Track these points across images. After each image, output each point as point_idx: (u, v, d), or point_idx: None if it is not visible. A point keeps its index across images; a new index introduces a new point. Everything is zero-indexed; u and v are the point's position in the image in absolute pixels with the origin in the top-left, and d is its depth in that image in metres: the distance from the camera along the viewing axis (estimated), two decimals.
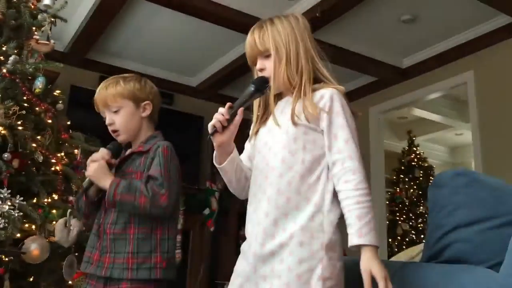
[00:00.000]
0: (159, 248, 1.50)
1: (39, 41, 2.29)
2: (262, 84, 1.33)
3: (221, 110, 1.28)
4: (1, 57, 2.12)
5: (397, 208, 6.20)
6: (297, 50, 1.36)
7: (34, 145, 2.04)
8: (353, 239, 1.17)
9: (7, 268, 1.80)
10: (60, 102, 2.35)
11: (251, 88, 1.31)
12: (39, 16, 2.34)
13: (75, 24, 3.93)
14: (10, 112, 1.95)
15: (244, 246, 1.33)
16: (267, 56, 1.36)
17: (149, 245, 1.49)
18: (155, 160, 1.52)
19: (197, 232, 4.90)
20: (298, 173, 1.26)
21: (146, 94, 1.65)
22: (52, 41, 2.33)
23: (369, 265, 1.15)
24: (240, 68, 4.47)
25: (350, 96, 5.07)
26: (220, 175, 1.45)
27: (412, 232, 6.01)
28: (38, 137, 2.11)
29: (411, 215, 6.15)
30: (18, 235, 1.84)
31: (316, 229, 1.21)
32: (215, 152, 1.35)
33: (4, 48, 2.14)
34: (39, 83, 2.14)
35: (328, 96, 1.30)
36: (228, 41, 4.19)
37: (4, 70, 2.05)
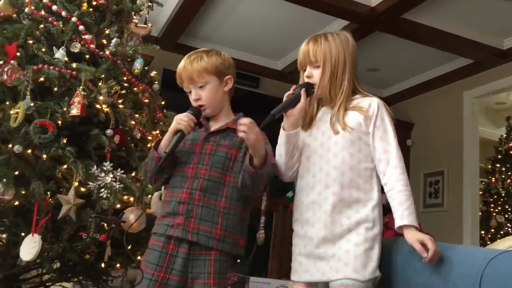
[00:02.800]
0: (241, 227, 1.62)
1: (138, 25, 2.42)
2: (309, 88, 1.59)
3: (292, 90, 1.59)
4: (104, 40, 2.26)
5: (491, 199, 5.82)
6: (343, 69, 1.59)
7: (132, 122, 2.17)
8: (397, 221, 1.46)
9: (109, 235, 1.95)
10: (156, 83, 2.47)
11: (300, 88, 1.57)
12: (138, 1, 2.46)
13: (168, 9, 4.09)
14: (112, 91, 2.09)
15: (301, 231, 1.57)
16: (317, 66, 1.60)
17: (237, 222, 1.59)
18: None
19: (280, 214, 4.97)
20: (357, 171, 1.53)
21: (227, 68, 1.70)
22: (149, 24, 2.45)
23: (416, 237, 1.41)
24: None
25: (443, 80, 4.85)
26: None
27: (508, 225, 5.62)
28: (136, 115, 2.24)
29: (507, 206, 5.74)
30: (118, 205, 1.97)
31: (375, 218, 1.51)
32: (283, 124, 1.60)
33: (107, 32, 2.28)
34: (137, 65, 2.27)
35: (376, 104, 1.58)
36: (314, 24, 4.15)
37: (107, 52, 2.19)
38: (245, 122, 1.49)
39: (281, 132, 1.60)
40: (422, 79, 5.14)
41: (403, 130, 5.46)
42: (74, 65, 2.04)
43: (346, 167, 1.52)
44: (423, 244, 1.39)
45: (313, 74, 1.60)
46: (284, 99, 1.57)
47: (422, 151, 5.30)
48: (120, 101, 2.15)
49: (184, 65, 1.66)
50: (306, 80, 1.62)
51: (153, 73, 2.51)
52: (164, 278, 1.52)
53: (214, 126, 1.70)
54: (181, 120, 1.59)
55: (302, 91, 1.55)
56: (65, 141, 1.92)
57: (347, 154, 1.53)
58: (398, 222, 1.46)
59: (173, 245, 1.55)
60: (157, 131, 2.37)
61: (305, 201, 1.57)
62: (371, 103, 1.58)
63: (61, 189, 1.89)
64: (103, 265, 2.01)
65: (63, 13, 2.17)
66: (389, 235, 2.87)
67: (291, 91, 1.58)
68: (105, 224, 1.94)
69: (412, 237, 1.42)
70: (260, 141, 1.53)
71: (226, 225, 1.56)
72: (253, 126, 1.49)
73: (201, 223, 1.54)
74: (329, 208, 1.50)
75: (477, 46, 4.21)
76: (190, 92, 1.67)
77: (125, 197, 2.02)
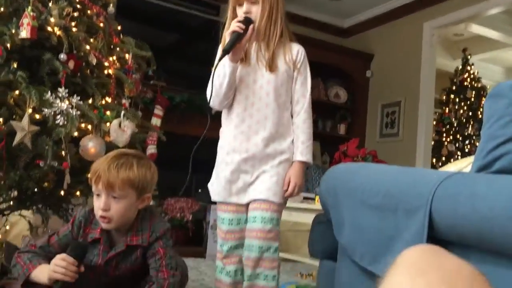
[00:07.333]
0: None
1: None
2: (251, 23, 1.65)
3: (238, 23, 1.63)
4: None
5: (444, 129, 6.06)
6: (277, 7, 1.71)
7: (87, 47, 2.07)
8: (297, 156, 1.74)
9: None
10: (111, 5, 2.34)
11: (246, 22, 1.64)
12: None
13: None
14: (64, 13, 1.97)
15: (227, 157, 1.75)
16: (253, 2, 1.68)
17: None
18: (154, 262, 1.49)
19: None
20: (283, 110, 1.75)
21: (151, 186, 1.52)
22: None
23: (291, 173, 1.73)
24: None
25: (404, 10, 4.86)
26: None
27: (458, 153, 5.91)
28: (91, 40, 2.14)
29: (458, 136, 6.01)
30: (76, 133, 1.93)
31: (292, 150, 1.76)
32: (229, 55, 1.64)
33: None
34: None
35: (303, 52, 1.78)
36: None
37: None
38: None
39: (228, 64, 1.66)
40: (384, 9, 5.12)
41: (363, 61, 5.49)
42: None
43: (275, 105, 1.72)
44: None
45: (251, 10, 1.69)
46: (229, 35, 1.64)
47: (380, 82, 5.38)
48: (73, 23, 2.03)
49: (109, 167, 1.41)
50: (243, 15, 1.68)
51: None
52: None
53: (116, 238, 1.52)
54: (57, 266, 1.35)
55: (251, 27, 1.65)
56: (15, 66, 1.82)
57: (277, 93, 1.72)
58: (297, 157, 1.74)
59: None
60: (114, 57, 2.27)
61: (241, 129, 1.73)
62: (299, 49, 1.77)
63: (14, 116, 1.82)
64: (62, 193, 1.99)
65: None
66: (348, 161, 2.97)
67: (236, 28, 1.63)
68: (63, 153, 1.90)
69: (290, 171, 1.73)
70: None
71: None
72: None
73: None
74: (260, 141, 1.71)
75: None
76: (98, 195, 1.44)
77: (83, 125, 1.97)
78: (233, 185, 1.74)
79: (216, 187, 1.79)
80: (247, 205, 1.76)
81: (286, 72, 1.74)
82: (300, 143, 1.75)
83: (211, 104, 1.73)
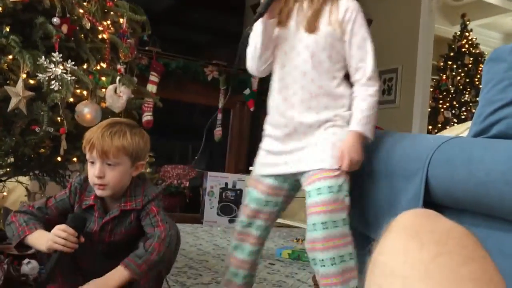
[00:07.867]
0: None
1: None
2: None
3: None
4: None
5: (441, 96, 6.06)
6: None
7: (81, 11, 2.02)
8: (352, 125, 1.47)
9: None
10: None
11: None
12: None
13: None
14: None
15: (273, 132, 1.55)
16: None
17: None
18: (148, 220, 1.47)
19: (237, 111, 5.01)
20: (327, 79, 1.48)
21: (144, 153, 1.51)
22: None
23: (346, 146, 1.43)
24: None
25: None
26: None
27: (454, 120, 5.92)
28: (85, 3, 2.09)
29: (455, 103, 6.01)
30: (71, 99, 1.90)
31: (344, 117, 1.50)
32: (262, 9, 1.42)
33: None
34: None
35: (354, 9, 1.50)
36: None
37: None
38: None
39: (259, 21, 1.48)
40: None
41: None
42: None
43: (315, 74, 1.48)
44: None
45: None
46: None
47: (378, 48, 5.29)
48: None
49: (103, 135, 1.42)
50: None
51: None
52: None
53: (109, 204, 1.52)
54: (57, 237, 1.34)
55: None
56: (8, 30, 1.78)
57: (317, 60, 1.48)
58: (352, 126, 1.46)
59: None
60: (108, 21, 2.23)
61: (276, 100, 1.54)
62: (348, 7, 1.49)
63: (8, 81, 1.80)
64: (59, 159, 1.98)
65: None
66: None
67: None
68: (59, 119, 1.88)
69: (344, 145, 1.43)
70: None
71: None
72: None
73: None
74: (297, 114, 1.49)
75: None
76: (93, 162, 1.44)
77: (78, 90, 1.94)
78: (278, 158, 1.53)
79: (259, 161, 1.61)
80: (288, 186, 1.57)
81: (331, 35, 1.48)
82: (358, 112, 1.47)
83: (249, 69, 1.56)
